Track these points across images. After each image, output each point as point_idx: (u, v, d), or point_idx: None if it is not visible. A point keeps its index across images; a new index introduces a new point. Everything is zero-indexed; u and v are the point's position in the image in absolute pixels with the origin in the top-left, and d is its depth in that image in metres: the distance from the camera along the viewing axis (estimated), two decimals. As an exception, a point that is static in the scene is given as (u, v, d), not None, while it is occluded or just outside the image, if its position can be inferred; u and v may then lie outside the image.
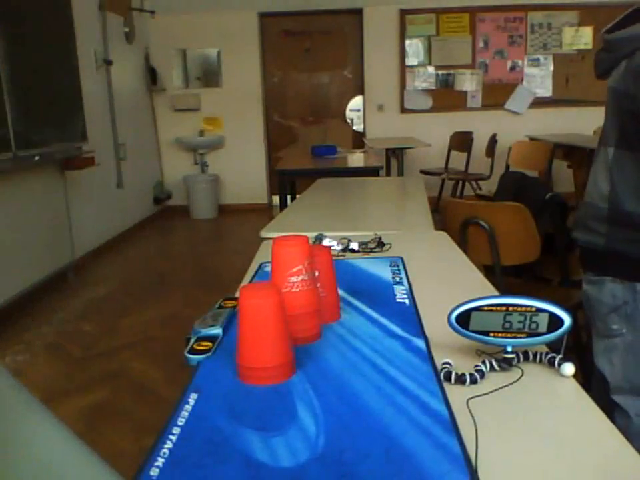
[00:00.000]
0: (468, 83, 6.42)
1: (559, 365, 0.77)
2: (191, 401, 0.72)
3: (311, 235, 1.38)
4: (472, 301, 0.79)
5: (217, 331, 0.91)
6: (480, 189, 5.72)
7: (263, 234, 1.63)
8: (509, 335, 0.77)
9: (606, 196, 1.35)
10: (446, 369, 0.76)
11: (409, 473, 0.57)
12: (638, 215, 1.32)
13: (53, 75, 3.81)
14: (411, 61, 6.41)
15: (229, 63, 6.44)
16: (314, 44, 6.53)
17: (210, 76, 6.49)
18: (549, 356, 0.78)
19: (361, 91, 6.57)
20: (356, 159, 4.39)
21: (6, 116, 3.18)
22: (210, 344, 0.87)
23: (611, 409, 1.39)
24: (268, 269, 1.26)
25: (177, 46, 6.40)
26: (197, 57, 6.44)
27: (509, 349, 0.78)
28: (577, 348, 2.00)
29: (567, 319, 0.75)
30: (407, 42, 6.36)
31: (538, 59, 6.36)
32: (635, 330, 1.37)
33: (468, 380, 0.74)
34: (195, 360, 0.84)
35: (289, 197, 4.05)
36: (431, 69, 6.42)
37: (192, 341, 0.89)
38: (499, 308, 0.77)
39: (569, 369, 0.76)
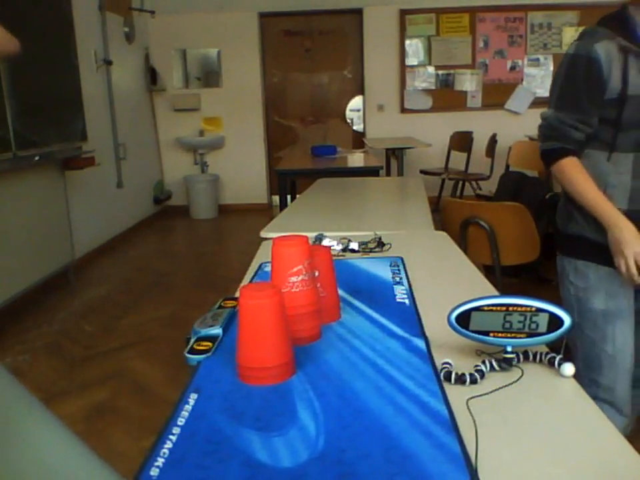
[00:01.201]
0: (468, 83, 6.42)
1: (559, 365, 0.77)
2: (191, 401, 0.72)
3: (311, 235, 1.38)
4: (472, 300, 0.79)
5: (216, 330, 0.91)
6: (480, 188, 5.71)
7: (263, 234, 1.63)
8: (509, 335, 0.77)
9: None
10: (446, 369, 0.76)
11: (408, 473, 0.57)
12: (563, 193, 1.51)
13: (53, 75, 3.81)
14: (410, 61, 6.41)
15: (229, 63, 6.44)
16: (314, 44, 6.52)
17: (210, 76, 6.49)
18: (549, 356, 0.78)
19: (361, 91, 6.57)
20: (356, 159, 4.39)
21: (6, 116, 3.18)
22: (210, 344, 0.87)
23: None
24: (268, 269, 1.26)
25: (176, 46, 6.39)
26: (197, 57, 6.43)
27: (509, 349, 0.78)
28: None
29: (566, 319, 0.75)
30: (407, 42, 6.35)
31: (538, 59, 6.36)
32: (563, 297, 1.55)
33: (468, 380, 0.74)
34: (194, 360, 0.84)
35: (289, 197, 4.05)
36: (430, 69, 6.41)
37: (192, 341, 0.89)
38: (499, 308, 0.77)
39: (568, 369, 0.76)
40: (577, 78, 1.36)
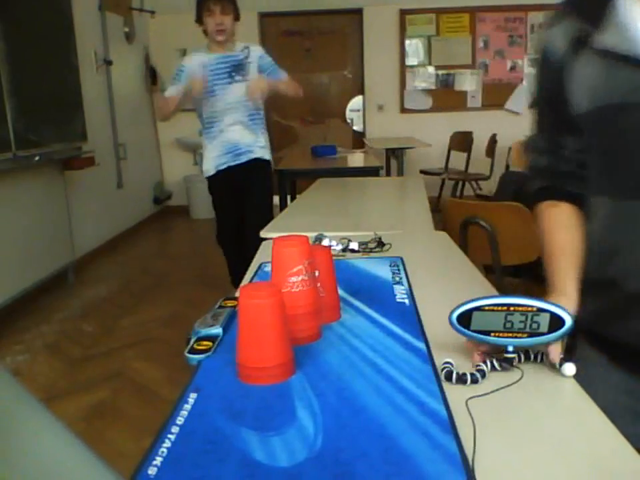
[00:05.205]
0: (468, 83, 6.41)
1: (560, 365, 0.76)
2: (191, 400, 0.72)
3: (311, 235, 1.38)
4: (473, 300, 0.79)
5: (217, 330, 0.91)
6: (480, 188, 5.71)
7: (263, 234, 1.63)
8: (510, 335, 0.77)
9: None
10: (447, 369, 0.76)
11: (406, 473, 0.57)
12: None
13: (53, 75, 3.81)
14: (410, 61, 6.40)
15: (229, 63, 6.42)
16: (314, 44, 6.52)
17: (210, 76, 6.48)
18: (550, 356, 0.78)
19: (361, 91, 6.57)
20: (356, 159, 4.38)
21: (6, 116, 3.18)
22: (210, 343, 0.87)
23: None
24: (268, 269, 1.25)
25: (176, 46, 6.38)
26: (197, 57, 6.42)
27: (510, 348, 0.78)
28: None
29: (568, 319, 0.75)
30: (407, 42, 6.35)
31: (538, 59, 6.36)
32: None
33: (469, 379, 0.74)
34: (195, 360, 0.84)
35: (288, 197, 4.05)
36: (430, 69, 6.41)
37: (192, 340, 0.89)
38: (500, 308, 0.77)
39: (569, 369, 0.76)
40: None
